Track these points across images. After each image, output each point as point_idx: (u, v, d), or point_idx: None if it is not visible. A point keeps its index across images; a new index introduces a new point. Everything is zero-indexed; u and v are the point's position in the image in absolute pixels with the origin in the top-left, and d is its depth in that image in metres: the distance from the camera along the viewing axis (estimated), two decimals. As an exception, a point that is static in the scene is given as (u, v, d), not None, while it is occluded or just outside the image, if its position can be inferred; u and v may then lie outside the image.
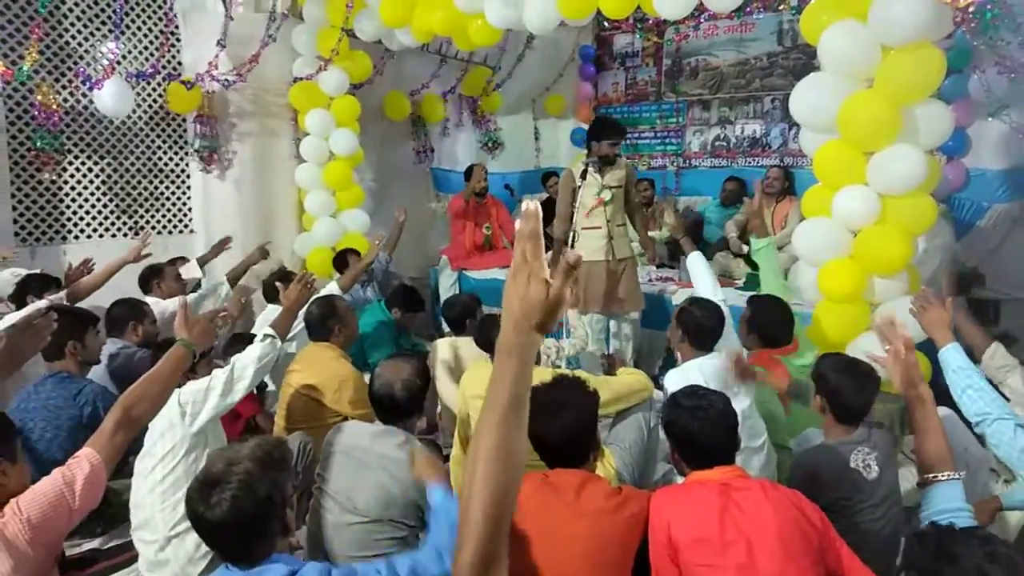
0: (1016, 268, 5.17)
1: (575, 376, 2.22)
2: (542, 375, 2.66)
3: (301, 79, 5.03)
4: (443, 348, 3.71)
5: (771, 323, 3.08)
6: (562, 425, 2.01)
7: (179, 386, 2.41)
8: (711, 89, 6.69)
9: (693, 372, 2.73)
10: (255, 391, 3.51)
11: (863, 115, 3.13)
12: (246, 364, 2.56)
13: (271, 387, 3.82)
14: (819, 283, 3.36)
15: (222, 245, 4.56)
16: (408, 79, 6.03)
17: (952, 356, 2.29)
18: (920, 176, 3.12)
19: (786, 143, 6.29)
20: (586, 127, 7.52)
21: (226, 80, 4.58)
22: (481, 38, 4.54)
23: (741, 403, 2.74)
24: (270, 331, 2.71)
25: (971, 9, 3.08)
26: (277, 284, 3.64)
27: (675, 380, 2.70)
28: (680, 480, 2.38)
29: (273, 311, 4.07)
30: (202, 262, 4.41)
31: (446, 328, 5.66)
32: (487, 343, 3.06)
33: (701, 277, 3.46)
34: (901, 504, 2.44)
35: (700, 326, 2.84)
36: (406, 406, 2.27)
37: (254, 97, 4.98)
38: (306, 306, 3.30)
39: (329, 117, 5.07)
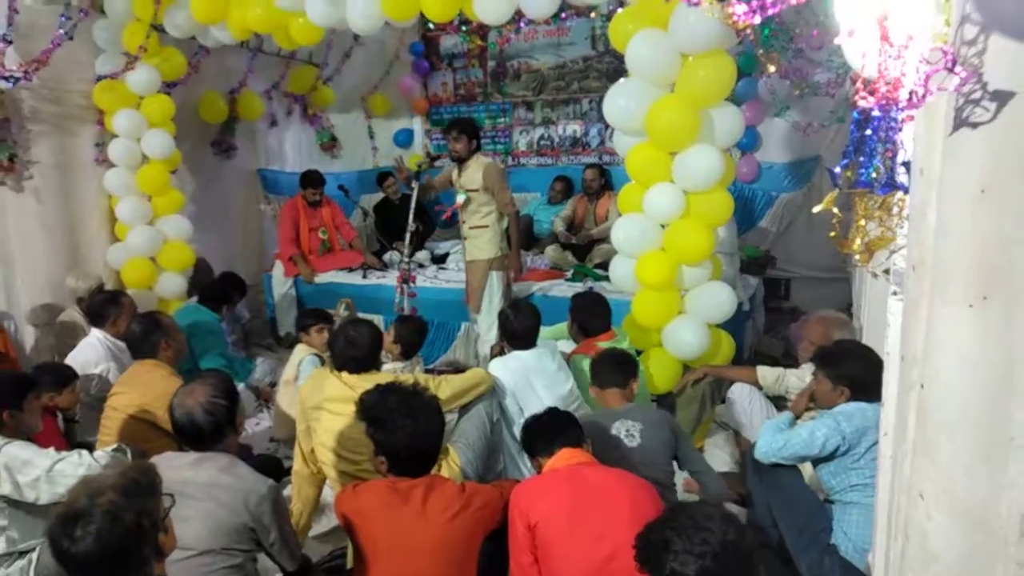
0: (802, 249, 5.87)
1: (414, 383, 2.23)
2: (379, 380, 2.68)
3: (105, 77, 4.67)
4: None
5: (589, 316, 3.45)
6: (408, 435, 2.03)
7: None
8: (534, 91, 6.97)
9: (512, 361, 3.08)
10: (63, 422, 3.23)
11: (667, 118, 3.38)
12: (70, 476, 2.27)
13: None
14: (636, 273, 3.62)
15: None
16: (230, 76, 5.74)
17: (759, 447, 2.57)
18: (718, 173, 3.43)
19: (603, 142, 6.70)
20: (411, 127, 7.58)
21: (12, 77, 4.14)
22: (303, 37, 4.43)
23: (564, 387, 3.05)
24: (123, 446, 2.50)
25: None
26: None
27: (497, 368, 3.05)
28: (526, 472, 2.74)
29: (98, 336, 3.73)
30: None
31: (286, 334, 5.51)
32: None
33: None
34: (666, 469, 2.59)
35: (514, 329, 3.14)
36: (212, 432, 2.07)
37: (52, 96, 4.53)
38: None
39: (140, 118, 4.73)
